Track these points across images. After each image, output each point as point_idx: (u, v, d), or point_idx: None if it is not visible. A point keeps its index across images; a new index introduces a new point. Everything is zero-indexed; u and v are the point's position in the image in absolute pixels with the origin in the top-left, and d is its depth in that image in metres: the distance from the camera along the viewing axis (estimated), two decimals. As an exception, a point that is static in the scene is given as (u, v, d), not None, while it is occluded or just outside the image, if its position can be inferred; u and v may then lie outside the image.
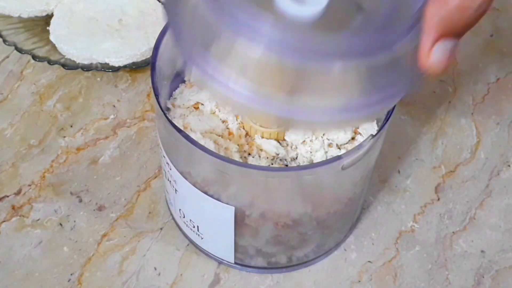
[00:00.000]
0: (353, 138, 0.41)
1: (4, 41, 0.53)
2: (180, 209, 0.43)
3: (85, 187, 0.48)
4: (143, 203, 0.48)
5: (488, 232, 0.48)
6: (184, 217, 0.43)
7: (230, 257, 0.44)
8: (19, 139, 0.50)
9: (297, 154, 0.40)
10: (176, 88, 0.43)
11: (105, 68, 0.53)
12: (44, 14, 0.56)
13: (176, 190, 0.41)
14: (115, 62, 0.53)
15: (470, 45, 0.58)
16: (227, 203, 0.38)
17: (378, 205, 0.49)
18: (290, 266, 0.45)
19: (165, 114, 0.36)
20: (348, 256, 0.46)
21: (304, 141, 0.40)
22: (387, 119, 0.36)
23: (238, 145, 0.40)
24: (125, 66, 0.53)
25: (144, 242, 0.46)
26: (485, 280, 0.46)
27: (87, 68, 0.53)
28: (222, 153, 0.38)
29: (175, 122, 0.36)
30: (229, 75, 0.30)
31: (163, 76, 0.40)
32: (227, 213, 0.38)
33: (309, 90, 0.30)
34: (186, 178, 0.38)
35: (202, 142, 0.37)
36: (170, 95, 0.42)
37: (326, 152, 0.40)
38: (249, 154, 0.40)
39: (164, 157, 0.39)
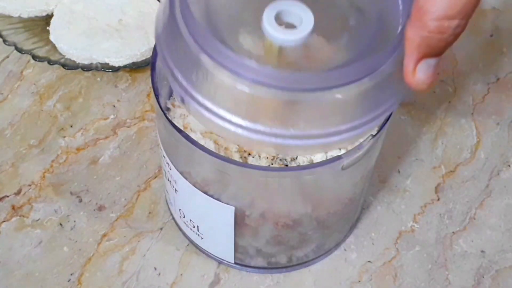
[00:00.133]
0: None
1: (4, 41, 0.53)
2: (180, 209, 0.43)
3: (85, 187, 0.48)
4: (143, 203, 0.48)
5: (488, 232, 0.48)
6: (184, 217, 0.43)
7: (230, 257, 0.44)
8: (19, 139, 0.50)
9: (297, 155, 0.40)
10: (176, 88, 0.43)
11: (105, 68, 0.53)
12: (44, 14, 0.56)
13: (176, 190, 0.41)
14: (115, 62, 0.53)
15: (470, 45, 0.58)
16: (227, 203, 0.38)
17: (378, 205, 0.49)
18: (290, 266, 0.45)
19: (165, 114, 0.36)
20: (348, 256, 0.46)
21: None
22: (387, 119, 0.36)
23: (238, 145, 0.40)
24: (125, 66, 0.53)
25: (144, 242, 0.46)
26: (485, 280, 0.45)
27: (87, 68, 0.52)
28: (222, 153, 0.38)
29: (175, 122, 0.36)
30: (220, 109, 0.31)
31: (163, 76, 0.40)
32: (227, 213, 0.38)
33: (301, 119, 0.31)
34: (186, 178, 0.38)
35: (202, 142, 0.37)
36: (170, 95, 0.42)
37: (326, 152, 0.40)
38: (249, 154, 0.40)
39: (164, 157, 0.39)
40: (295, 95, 0.31)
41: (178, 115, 0.41)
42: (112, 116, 0.52)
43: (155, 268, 0.45)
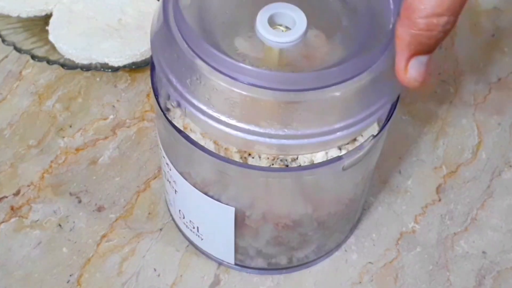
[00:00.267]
0: (354, 139, 0.41)
1: (3, 41, 0.53)
2: (180, 210, 0.42)
3: (85, 187, 0.48)
4: (142, 203, 0.48)
5: (489, 233, 0.48)
6: (184, 218, 0.43)
7: (230, 258, 0.43)
8: (18, 139, 0.50)
9: (297, 154, 0.40)
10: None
11: (105, 68, 0.52)
12: (43, 13, 0.55)
13: (176, 190, 0.40)
14: (115, 62, 0.52)
15: (471, 45, 0.58)
16: (227, 204, 0.38)
17: (379, 205, 0.48)
18: (291, 267, 0.45)
19: (164, 115, 0.36)
20: (348, 257, 0.46)
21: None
22: (388, 119, 0.36)
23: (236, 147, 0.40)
24: (124, 66, 0.53)
25: (143, 243, 0.46)
26: (486, 281, 0.45)
27: (86, 68, 0.52)
28: (222, 154, 0.38)
29: (175, 122, 0.36)
30: (218, 113, 0.32)
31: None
32: (227, 214, 0.38)
33: (298, 119, 0.32)
34: (186, 179, 0.38)
35: (202, 142, 0.37)
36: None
37: (326, 153, 0.40)
38: (249, 154, 0.40)
39: (164, 157, 0.39)
40: (291, 95, 0.31)
41: (178, 116, 0.41)
42: (111, 116, 0.52)
43: (155, 269, 0.45)
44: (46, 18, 0.55)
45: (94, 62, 0.53)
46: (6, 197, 0.47)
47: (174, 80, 0.33)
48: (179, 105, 0.33)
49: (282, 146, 0.32)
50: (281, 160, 0.40)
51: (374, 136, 0.35)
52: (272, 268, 0.44)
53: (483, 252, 0.47)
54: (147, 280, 0.44)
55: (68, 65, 0.52)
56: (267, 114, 0.32)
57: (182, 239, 0.46)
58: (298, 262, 0.44)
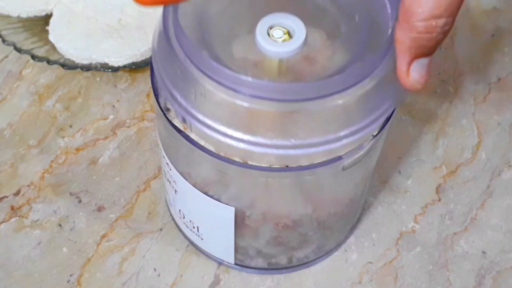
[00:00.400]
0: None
1: (3, 41, 0.53)
2: (180, 210, 0.42)
3: (85, 187, 0.48)
4: (142, 203, 0.48)
5: (489, 233, 0.48)
6: (184, 217, 0.43)
7: (230, 258, 0.43)
8: (18, 139, 0.50)
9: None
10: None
11: (105, 68, 0.52)
12: (43, 13, 0.55)
13: (176, 190, 0.40)
14: (115, 62, 0.52)
15: (471, 45, 0.58)
16: (227, 204, 0.38)
17: (378, 205, 0.48)
18: (291, 267, 0.45)
19: (165, 115, 0.36)
20: (348, 257, 0.46)
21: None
22: (388, 119, 0.36)
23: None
24: (124, 66, 0.53)
25: (143, 243, 0.46)
26: (486, 281, 0.45)
27: (86, 68, 0.52)
28: (222, 154, 0.38)
29: (175, 122, 0.36)
30: (224, 126, 0.32)
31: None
32: (227, 213, 0.38)
33: (301, 129, 0.32)
34: (186, 179, 0.38)
35: (202, 142, 0.37)
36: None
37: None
38: (249, 154, 0.40)
39: (164, 157, 0.39)
40: (294, 105, 0.31)
41: (178, 115, 0.41)
42: (111, 116, 0.52)
43: (155, 269, 0.45)
44: (46, 18, 0.55)
45: (94, 62, 0.53)
46: (6, 197, 0.47)
47: (178, 96, 0.33)
48: (184, 120, 0.33)
49: (287, 157, 0.33)
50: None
51: (374, 136, 0.35)
52: (272, 268, 0.44)
53: (483, 252, 0.47)
54: (147, 280, 0.44)
55: (68, 65, 0.52)
56: (272, 125, 0.32)
57: (182, 239, 0.46)
58: (298, 262, 0.44)
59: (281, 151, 0.32)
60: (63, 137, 0.51)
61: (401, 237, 0.47)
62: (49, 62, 0.52)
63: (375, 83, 0.32)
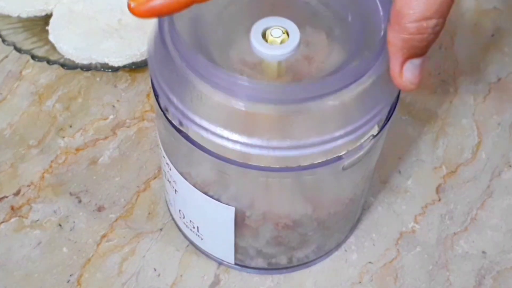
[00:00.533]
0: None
1: (3, 41, 0.53)
2: (180, 210, 0.42)
3: (85, 187, 0.48)
4: (142, 203, 0.48)
5: (489, 233, 0.48)
6: (184, 217, 0.43)
7: (230, 258, 0.43)
8: (18, 139, 0.50)
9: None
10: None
11: (105, 68, 0.52)
12: (43, 13, 0.55)
13: (176, 190, 0.40)
14: (115, 62, 0.52)
15: (471, 45, 0.58)
16: (227, 204, 0.38)
17: (378, 205, 0.48)
18: (291, 267, 0.45)
19: (164, 115, 0.36)
20: (348, 257, 0.46)
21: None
22: (388, 119, 0.36)
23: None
24: (124, 66, 0.53)
25: (143, 243, 0.46)
26: (486, 281, 0.45)
27: (86, 68, 0.52)
28: (222, 154, 0.38)
29: (175, 122, 0.36)
30: (221, 128, 0.32)
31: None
32: (227, 213, 0.38)
33: (299, 129, 0.32)
34: (186, 179, 0.38)
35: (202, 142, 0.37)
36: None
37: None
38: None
39: (164, 157, 0.39)
40: (290, 106, 0.31)
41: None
42: (111, 116, 0.52)
43: (155, 269, 0.45)
44: (46, 18, 0.55)
45: (94, 62, 0.53)
46: (6, 197, 0.47)
47: (175, 100, 0.33)
48: (181, 124, 0.33)
49: (287, 158, 0.33)
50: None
51: (374, 136, 0.35)
52: (272, 268, 0.44)
53: (483, 252, 0.47)
54: (147, 280, 0.44)
55: (68, 65, 0.52)
56: (268, 126, 0.32)
57: (182, 239, 0.46)
58: (298, 262, 0.44)
59: (280, 152, 0.32)
60: (63, 137, 0.50)
61: (401, 237, 0.47)
62: (49, 62, 0.52)
63: (371, 81, 0.32)
